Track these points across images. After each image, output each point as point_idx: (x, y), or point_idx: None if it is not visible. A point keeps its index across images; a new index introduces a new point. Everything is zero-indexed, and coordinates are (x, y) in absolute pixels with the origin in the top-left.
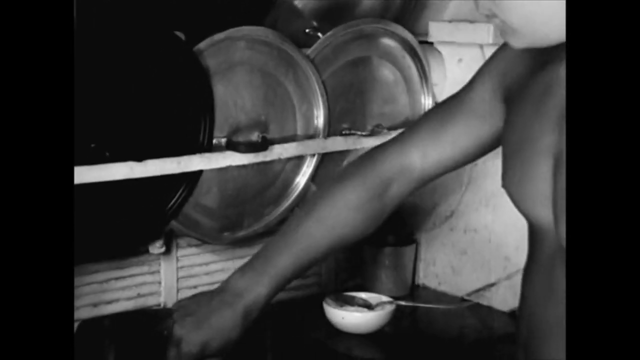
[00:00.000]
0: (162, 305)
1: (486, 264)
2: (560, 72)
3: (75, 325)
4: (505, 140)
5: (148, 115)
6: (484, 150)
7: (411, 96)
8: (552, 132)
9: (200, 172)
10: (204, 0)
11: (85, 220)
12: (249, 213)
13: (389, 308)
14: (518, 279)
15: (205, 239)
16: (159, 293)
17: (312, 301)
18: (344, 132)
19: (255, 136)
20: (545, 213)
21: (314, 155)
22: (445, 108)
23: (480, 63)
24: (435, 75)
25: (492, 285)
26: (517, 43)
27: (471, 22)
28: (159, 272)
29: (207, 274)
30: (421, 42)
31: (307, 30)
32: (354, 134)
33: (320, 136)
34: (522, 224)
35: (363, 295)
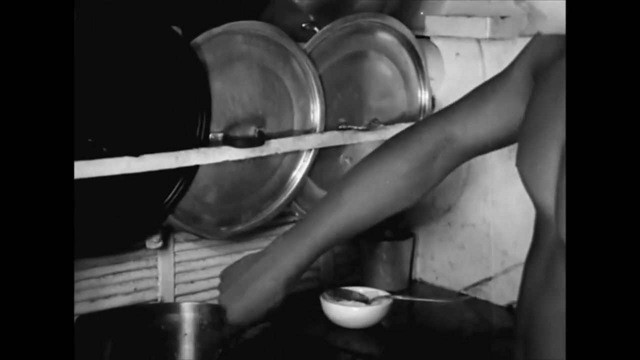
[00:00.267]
0: (159, 300)
1: (484, 258)
2: None
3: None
4: (525, 120)
5: (145, 110)
6: None
7: (408, 91)
8: (563, 119)
9: (197, 167)
10: None
11: (83, 215)
12: (246, 208)
13: (387, 302)
14: (516, 273)
15: (203, 233)
16: (156, 288)
17: (309, 296)
18: (341, 127)
19: (252, 131)
20: (549, 201)
21: (310, 149)
22: (488, 84)
23: (477, 57)
24: (432, 69)
25: (489, 279)
26: (545, 28)
27: (468, 16)
28: (156, 267)
29: (204, 268)
30: (418, 37)
31: (304, 25)
32: (350, 129)
33: (317, 131)
34: (520, 219)
35: (360, 289)
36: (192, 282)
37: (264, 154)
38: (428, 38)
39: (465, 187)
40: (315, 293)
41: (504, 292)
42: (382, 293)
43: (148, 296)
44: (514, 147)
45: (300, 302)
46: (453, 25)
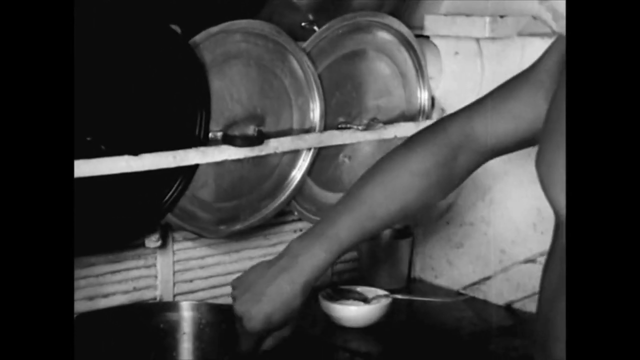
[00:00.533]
0: (158, 299)
1: (482, 257)
2: None
3: None
4: (546, 119)
5: (144, 109)
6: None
7: (407, 90)
8: None
9: (196, 166)
10: None
11: (81, 213)
12: (245, 207)
13: (385, 301)
14: (514, 272)
15: (202, 232)
16: (155, 287)
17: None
18: (340, 126)
19: (251, 130)
20: (564, 203)
21: (310, 149)
22: (513, 80)
23: (476, 56)
24: (431, 68)
25: (488, 278)
26: (563, 29)
27: (467, 15)
28: (155, 265)
29: (203, 267)
30: (417, 36)
31: (303, 24)
32: (350, 128)
33: (316, 130)
34: (519, 218)
35: (359, 288)
36: (191, 280)
37: (263, 153)
38: (427, 37)
39: (464, 186)
40: (314, 292)
41: (503, 291)
42: (381, 292)
43: (147, 295)
44: None
45: None
46: (452, 24)
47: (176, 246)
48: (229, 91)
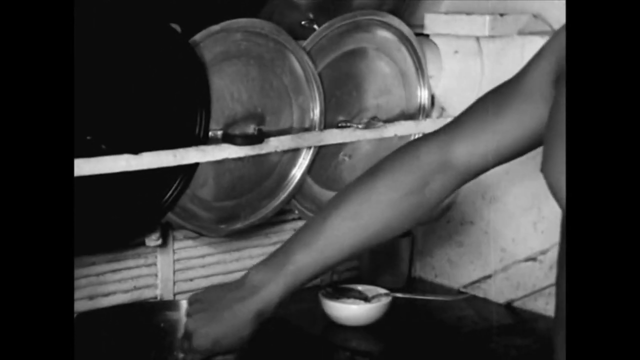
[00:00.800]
0: (158, 297)
1: (483, 256)
2: None
3: None
4: (548, 124)
5: (144, 108)
6: (536, 142)
7: (407, 88)
8: None
9: (196, 164)
10: None
11: (82, 212)
12: (245, 205)
13: (386, 300)
14: (514, 270)
15: (202, 231)
16: (156, 285)
17: (308, 293)
18: (340, 125)
19: (251, 129)
20: None
21: (310, 147)
22: (499, 95)
23: (476, 55)
24: (431, 67)
25: (488, 277)
26: None
27: (467, 14)
28: (155, 264)
29: (203, 266)
30: (417, 34)
31: (303, 23)
32: (350, 127)
33: (317, 128)
34: (519, 216)
35: (359, 287)
36: (191, 279)
37: (263, 151)
38: (427, 36)
39: (465, 185)
40: (314, 291)
41: (503, 289)
42: (381, 290)
43: (147, 294)
44: None
45: (297, 299)
46: (452, 22)
47: (176, 245)
48: (229, 90)
